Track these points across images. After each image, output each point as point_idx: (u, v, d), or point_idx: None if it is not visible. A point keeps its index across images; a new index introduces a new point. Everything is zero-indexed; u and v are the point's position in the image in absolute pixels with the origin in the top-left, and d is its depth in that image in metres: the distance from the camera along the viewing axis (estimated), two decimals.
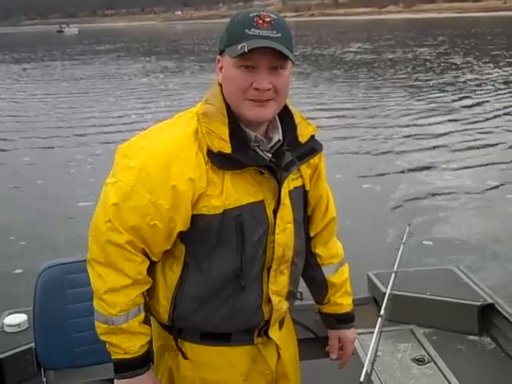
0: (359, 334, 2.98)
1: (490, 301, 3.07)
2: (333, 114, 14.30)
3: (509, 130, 12.11)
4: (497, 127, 12.49)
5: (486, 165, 9.57)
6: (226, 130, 1.52)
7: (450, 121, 13.33)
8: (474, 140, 11.44)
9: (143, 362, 1.63)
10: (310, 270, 1.87)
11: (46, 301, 2.28)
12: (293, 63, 1.53)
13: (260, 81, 1.49)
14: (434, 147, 10.92)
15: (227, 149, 1.51)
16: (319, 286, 1.91)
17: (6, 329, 2.92)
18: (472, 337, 3.04)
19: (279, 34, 1.47)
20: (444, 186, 8.53)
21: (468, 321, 3.06)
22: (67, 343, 2.37)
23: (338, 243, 1.93)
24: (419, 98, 16.88)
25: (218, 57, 1.57)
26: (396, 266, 2.53)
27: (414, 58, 30.61)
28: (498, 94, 17.03)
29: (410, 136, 11.92)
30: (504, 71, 22.81)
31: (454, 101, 16.14)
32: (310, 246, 1.84)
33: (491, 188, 8.34)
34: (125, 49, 51.27)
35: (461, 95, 17.17)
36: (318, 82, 21.15)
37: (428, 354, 2.90)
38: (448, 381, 2.69)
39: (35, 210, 7.76)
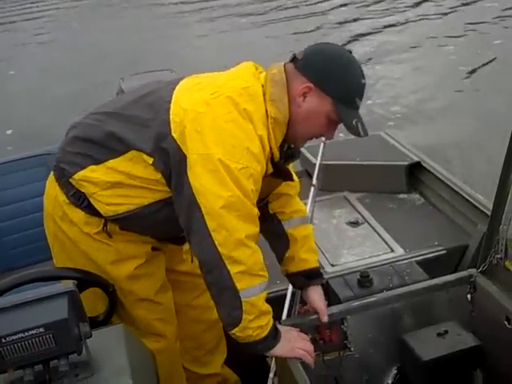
0: None
1: (416, 159, 3.16)
2: None
3: None
4: None
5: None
6: (280, 140, 1.66)
7: None
8: None
9: None
10: (270, 225, 1.92)
11: None
12: None
13: (331, 136, 1.73)
14: None
15: (277, 157, 1.68)
16: (279, 239, 1.94)
17: None
18: (402, 195, 3.14)
19: None
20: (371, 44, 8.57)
21: (397, 180, 3.15)
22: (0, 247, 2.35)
23: (300, 202, 2.00)
24: None
25: (310, 85, 1.60)
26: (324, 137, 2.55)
27: None
28: None
29: None
30: None
31: None
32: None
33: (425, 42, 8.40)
34: None
35: None
36: None
37: (362, 216, 2.99)
38: (381, 237, 2.81)
39: None
